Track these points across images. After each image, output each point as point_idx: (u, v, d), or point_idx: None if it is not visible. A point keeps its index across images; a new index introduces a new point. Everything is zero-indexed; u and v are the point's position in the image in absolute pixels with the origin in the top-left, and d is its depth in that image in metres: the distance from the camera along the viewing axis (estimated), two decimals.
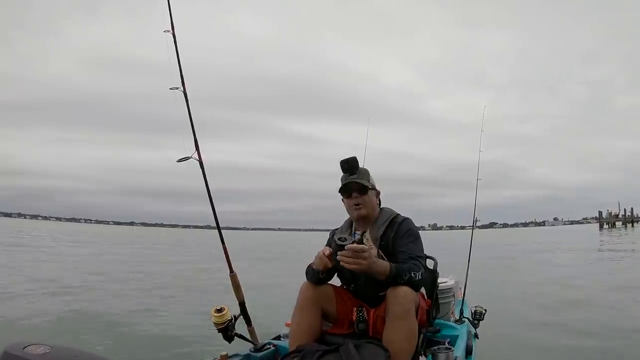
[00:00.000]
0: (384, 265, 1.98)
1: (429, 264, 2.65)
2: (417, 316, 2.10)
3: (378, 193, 2.34)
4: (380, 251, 2.17)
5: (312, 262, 2.13)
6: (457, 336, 2.71)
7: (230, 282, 2.58)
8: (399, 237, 2.18)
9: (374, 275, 1.97)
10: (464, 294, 3.77)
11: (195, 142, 2.55)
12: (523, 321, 5.64)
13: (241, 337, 2.41)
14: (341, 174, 2.30)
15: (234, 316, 2.39)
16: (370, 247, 2.17)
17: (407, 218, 2.29)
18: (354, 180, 2.23)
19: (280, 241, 45.07)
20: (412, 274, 2.00)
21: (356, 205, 2.24)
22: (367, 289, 2.20)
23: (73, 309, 5.96)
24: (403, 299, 1.96)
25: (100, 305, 6.36)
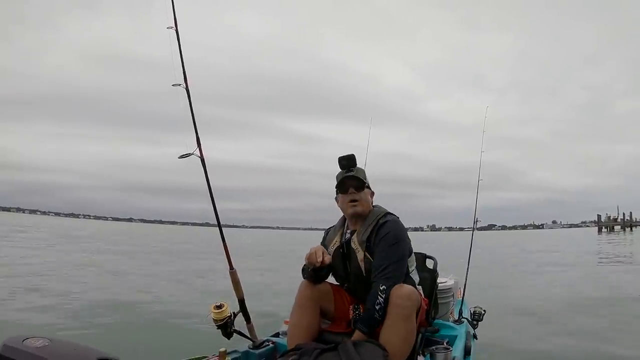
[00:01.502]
0: (357, 337, 1.99)
1: (429, 263, 2.66)
2: (417, 317, 2.10)
3: (372, 194, 2.35)
4: (367, 253, 2.17)
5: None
6: (455, 336, 2.71)
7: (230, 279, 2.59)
8: (376, 243, 2.15)
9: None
10: (463, 294, 3.77)
11: (197, 139, 2.55)
12: (522, 322, 5.64)
13: (240, 333, 2.41)
14: (338, 172, 2.31)
15: (234, 313, 2.40)
16: (356, 249, 2.19)
17: (390, 220, 2.21)
18: (352, 175, 2.24)
19: (279, 240, 45.09)
20: (377, 306, 1.98)
21: (352, 201, 2.24)
22: (357, 289, 2.22)
23: (75, 300, 5.99)
24: (406, 300, 1.97)
25: (101, 297, 6.38)
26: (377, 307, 1.99)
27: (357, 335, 2.01)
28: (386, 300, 1.99)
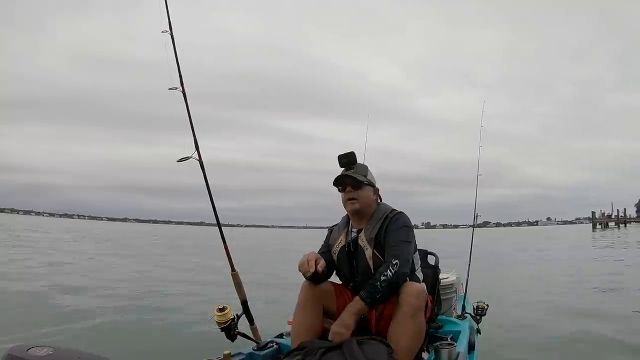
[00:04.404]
0: (356, 306, 1.99)
1: (430, 260, 2.66)
2: (426, 314, 2.11)
3: (377, 190, 2.33)
4: (375, 251, 2.17)
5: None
6: (459, 332, 2.71)
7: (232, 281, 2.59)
8: (388, 233, 2.17)
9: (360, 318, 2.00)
10: (465, 289, 3.77)
11: (195, 143, 2.54)
12: (525, 316, 5.65)
13: (244, 335, 2.41)
14: (339, 169, 2.30)
15: (237, 315, 2.39)
16: (365, 247, 2.19)
17: (400, 213, 2.26)
18: (347, 174, 2.23)
19: (276, 239, 44.97)
20: (383, 277, 1.99)
21: (350, 199, 2.24)
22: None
23: (79, 309, 5.97)
24: (415, 298, 1.97)
25: (104, 305, 6.36)
26: (382, 278, 1.99)
27: (355, 300, 2.01)
28: (395, 276, 2.00)
